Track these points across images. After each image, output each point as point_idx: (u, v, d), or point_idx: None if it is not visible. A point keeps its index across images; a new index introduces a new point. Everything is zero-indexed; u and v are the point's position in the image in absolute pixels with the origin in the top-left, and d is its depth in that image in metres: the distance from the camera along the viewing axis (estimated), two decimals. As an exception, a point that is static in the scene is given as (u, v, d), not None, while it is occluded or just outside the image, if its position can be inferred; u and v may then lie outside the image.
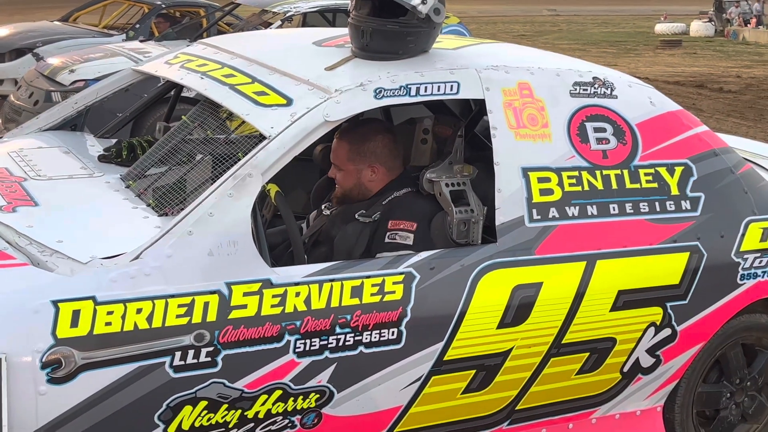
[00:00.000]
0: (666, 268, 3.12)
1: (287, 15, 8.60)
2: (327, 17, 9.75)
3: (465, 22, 13.34)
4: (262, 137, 2.69)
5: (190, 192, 2.81)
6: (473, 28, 24.27)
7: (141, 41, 9.15)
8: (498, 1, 47.87)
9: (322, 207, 3.19)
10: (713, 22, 35.65)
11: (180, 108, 3.85)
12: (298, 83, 2.86)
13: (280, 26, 8.61)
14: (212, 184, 2.75)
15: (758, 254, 3.30)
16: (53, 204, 2.81)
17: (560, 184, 2.98)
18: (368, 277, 2.67)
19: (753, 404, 3.54)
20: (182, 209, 2.69)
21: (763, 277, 3.33)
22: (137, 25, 10.84)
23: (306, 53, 3.18)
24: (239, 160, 2.80)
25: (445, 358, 2.78)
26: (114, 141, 3.51)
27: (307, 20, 9.51)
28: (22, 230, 2.56)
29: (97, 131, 3.70)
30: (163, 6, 10.99)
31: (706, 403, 3.47)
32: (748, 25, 34.29)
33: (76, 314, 2.31)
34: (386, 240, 2.93)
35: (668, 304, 3.13)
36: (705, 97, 16.56)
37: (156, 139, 3.41)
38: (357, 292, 2.64)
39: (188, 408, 2.47)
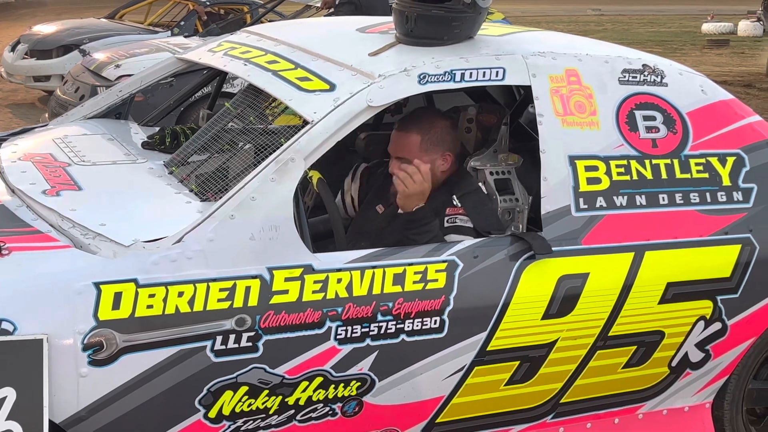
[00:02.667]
0: (717, 261, 3.04)
1: (330, 11, 8.56)
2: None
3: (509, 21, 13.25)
4: (305, 122, 2.66)
5: (232, 178, 2.79)
6: (517, 27, 24.10)
7: (186, 37, 9.20)
8: (542, 0, 47.56)
9: (378, 207, 3.12)
10: (761, 22, 35.02)
11: (221, 103, 3.85)
12: (342, 68, 2.83)
13: (324, 21, 8.62)
14: (252, 168, 2.74)
15: (813, 248, 3.20)
16: (96, 188, 2.81)
17: (608, 173, 2.92)
18: (410, 264, 2.63)
19: (806, 403, 3.44)
20: (222, 194, 2.68)
21: (817, 271, 3.23)
22: (182, 23, 10.91)
23: (350, 39, 3.15)
24: (280, 143, 2.79)
25: (489, 349, 2.74)
26: (158, 129, 3.51)
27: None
28: (65, 213, 2.56)
29: (141, 120, 3.70)
30: (208, 3, 11.05)
31: (757, 400, 3.38)
32: (799, 24, 33.63)
33: (117, 296, 2.31)
34: (446, 225, 2.88)
35: (719, 298, 3.05)
36: (753, 96, 16.28)
37: (199, 127, 3.40)
38: (399, 279, 2.60)
39: (229, 393, 2.45)
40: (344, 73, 2.80)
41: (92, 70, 7.81)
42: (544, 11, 46.03)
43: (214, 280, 2.40)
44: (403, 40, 2.96)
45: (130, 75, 7.41)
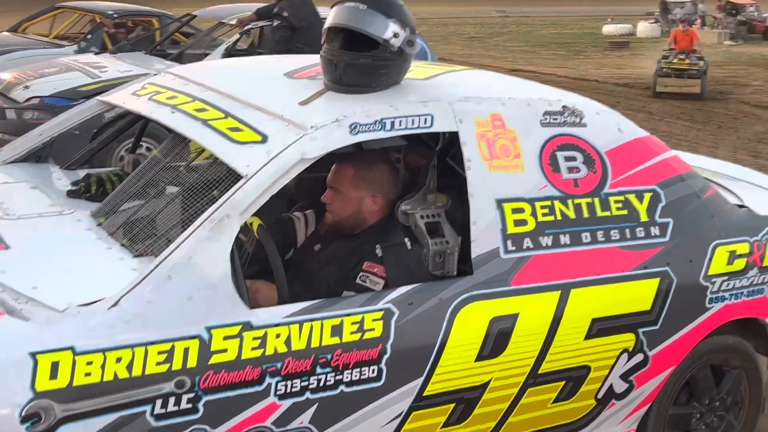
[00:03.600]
0: (638, 295, 3.16)
1: (246, 28, 8.52)
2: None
3: (416, 23, 13.40)
4: (238, 176, 2.66)
5: (164, 231, 2.77)
6: (424, 29, 24.33)
7: (95, 53, 9.01)
8: (448, 2, 48.15)
9: (315, 248, 3.15)
10: (659, 23, 36.22)
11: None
12: (273, 118, 2.84)
13: (239, 40, 8.55)
14: (186, 221, 2.73)
15: (725, 277, 3.37)
16: (25, 246, 2.75)
17: (534, 214, 3.00)
18: (348, 315, 2.66)
19: (722, 424, 3.61)
20: (157, 249, 2.67)
21: (730, 299, 3.39)
22: (89, 36, 10.69)
23: (278, 86, 3.15)
24: (213, 196, 2.78)
25: (425, 393, 2.79)
26: (81, 174, 3.45)
27: (264, 32, 9.44)
28: (-5, 276, 2.51)
29: (62, 162, 3.63)
30: (115, 15, 10.85)
31: (677, 425, 3.52)
32: (693, 25, 34.83)
33: (55, 366, 2.27)
34: (357, 280, 2.93)
35: (640, 330, 3.18)
36: (653, 99, 16.85)
37: (125, 173, 3.36)
38: (337, 330, 2.63)
39: None
40: (276, 124, 2.81)
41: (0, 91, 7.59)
42: (450, 13, 46.57)
43: (153, 342, 2.39)
44: (331, 87, 2.98)
45: (40, 96, 7.32)
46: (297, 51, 7.28)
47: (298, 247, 3.26)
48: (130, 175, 3.21)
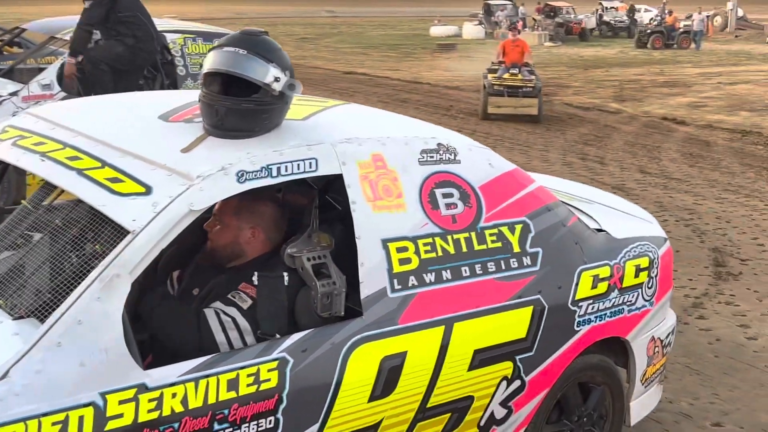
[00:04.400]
0: (514, 323, 3.30)
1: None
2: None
3: (244, 24, 13.19)
4: (124, 231, 2.57)
5: (43, 289, 2.64)
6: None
7: None
8: (275, 2, 47.88)
9: (194, 292, 3.08)
10: (483, 25, 37.51)
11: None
12: (155, 168, 2.76)
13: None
14: (67, 277, 2.61)
15: (591, 301, 3.56)
16: None
17: (417, 252, 3.07)
18: (243, 367, 2.64)
19: (589, 438, 3.81)
20: (39, 309, 2.54)
21: (595, 321, 3.60)
22: None
23: (154, 131, 3.05)
24: (94, 249, 2.68)
25: (321, 439, 2.81)
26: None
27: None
28: None
29: None
30: None
31: (550, 441, 3.70)
32: (518, 33, 36.33)
33: None
34: (228, 296, 2.91)
35: (517, 357, 3.31)
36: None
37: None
38: (233, 385, 2.60)
39: None
40: (158, 174, 2.73)
41: None
42: (279, 13, 46.42)
43: (45, 414, 2.28)
44: (212, 132, 2.92)
45: None
46: (121, 27, 7.12)
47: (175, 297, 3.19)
48: (-2, 226, 3.03)
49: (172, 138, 2.94)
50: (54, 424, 2.29)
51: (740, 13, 40.21)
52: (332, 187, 3.48)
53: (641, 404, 4.04)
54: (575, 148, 13.02)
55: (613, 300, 3.67)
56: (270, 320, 2.87)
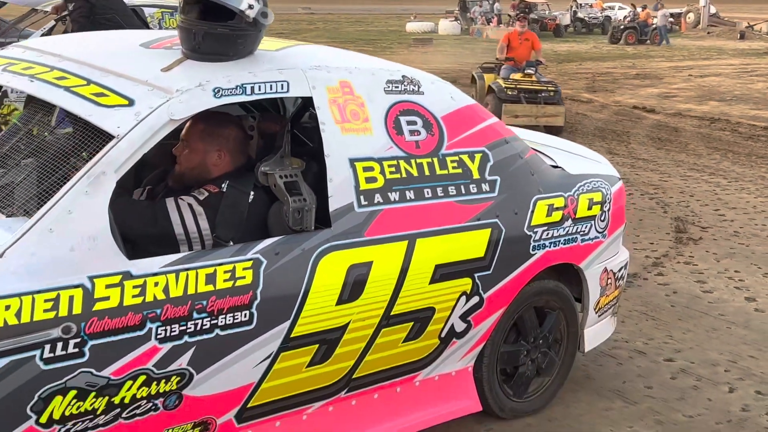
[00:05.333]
0: (473, 243, 3.54)
1: (60, 15, 8.35)
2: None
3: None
4: (109, 137, 2.79)
5: (34, 192, 2.85)
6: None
7: None
8: (253, -1, 47.83)
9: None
10: (459, 21, 37.82)
11: None
12: (137, 84, 2.97)
13: (53, 27, 8.38)
14: (56, 183, 2.82)
15: (545, 227, 3.81)
16: None
17: (382, 172, 3.31)
18: (220, 264, 2.86)
19: (545, 360, 4.07)
20: (29, 209, 2.76)
21: (549, 247, 3.85)
22: None
23: (136, 55, 3.28)
24: (82, 158, 2.89)
25: (292, 335, 3.03)
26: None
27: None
28: None
29: None
30: None
31: (508, 361, 3.95)
32: (490, 23, 36.69)
33: None
34: (191, 193, 3.11)
35: (476, 275, 3.56)
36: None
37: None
38: (211, 279, 2.82)
39: (59, 398, 2.56)
40: (140, 89, 2.95)
41: None
42: (256, 9, 46.55)
43: (39, 291, 2.50)
44: (190, 56, 3.15)
45: None
46: (101, 28, 7.26)
47: None
48: (-11, 143, 3.24)
49: (152, 61, 3.16)
50: (46, 300, 2.51)
51: (713, 10, 40.80)
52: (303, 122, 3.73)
53: (595, 332, 4.30)
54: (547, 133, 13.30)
55: (567, 229, 3.92)
56: (227, 228, 3.08)
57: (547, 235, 3.83)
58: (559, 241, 3.89)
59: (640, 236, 7.42)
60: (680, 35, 37.15)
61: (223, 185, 3.15)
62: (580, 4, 38.83)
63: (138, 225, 2.99)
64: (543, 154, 4.26)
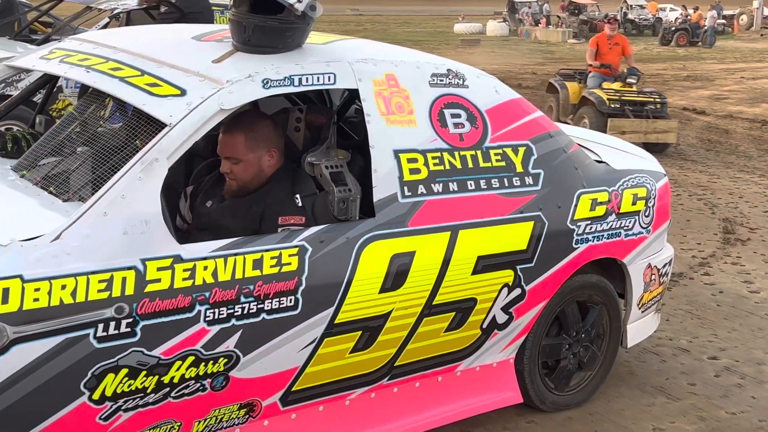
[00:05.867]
0: (515, 236, 3.57)
1: (114, 12, 8.55)
2: (153, 14, 9.71)
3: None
4: (161, 125, 2.88)
5: (90, 178, 2.96)
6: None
7: (-44, 38, 8.77)
8: (302, 0, 48.09)
9: (207, 203, 3.35)
10: (507, 22, 37.69)
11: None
12: (189, 75, 3.06)
13: (107, 24, 8.55)
14: (111, 170, 2.92)
15: (588, 222, 3.83)
16: (-44, 194, 2.88)
17: (426, 164, 3.36)
18: (267, 250, 2.93)
19: (587, 354, 4.08)
20: (85, 195, 2.86)
21: (593, 241, 3.86)
22: (-47, 22, 10.36)
23: (188, 47, 3.37)
24: (135, 146, 2.99)
25: (336, 321, 3.09)
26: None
27: (131, 18, 9.43)
28: (-66, 219, 2.64)
29: None
30: None
31: (549, 354, 3.97)
32: (539, 24, 36.52)
33: (5, 291, 2.45)
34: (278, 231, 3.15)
35: (518, 267, 3.59)
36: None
37: (37, 132, 3.49)
38: (258, 264, 2.90)
39: (111, 376, 2.65)
40: (192, 79, 3.04)
41: None
42: (305, 11, 46.87)
43: (93, 272, 2.59)
44: (240, 48, 3.23)
45: None
46: None
47: (183, 211, 3.45)
48: (47, 131, 3.35)
49: (204, 53, 3.25)
50: (101, 281, 2.60)
51: (766, 12, 40.14)
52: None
53: (637, 328, 4.30)
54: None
55: (611, 223, 3.93)
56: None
57: (591, 229, 3.85)
58: (603, 235, 3.91)
59: (688, 236, 7.37)
60: (733, 37, 36.62)
61: (297, 201, 3.20)
62: (631, 5, 38.45)
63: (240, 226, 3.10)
64: (587, 149, 4.27)
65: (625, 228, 4.02)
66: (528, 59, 25.68)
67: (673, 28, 33.60)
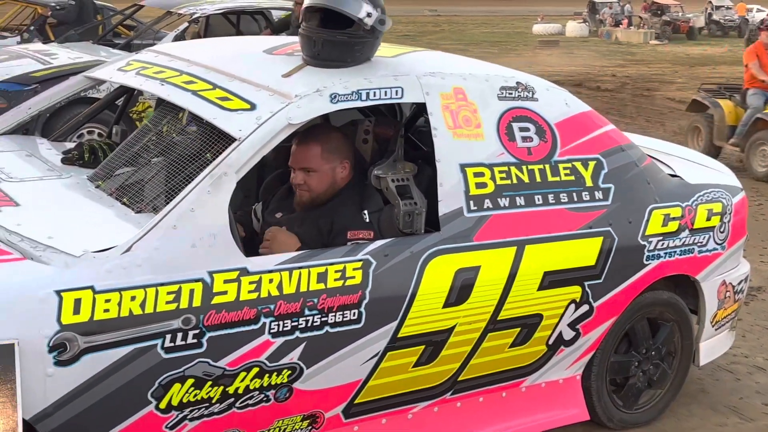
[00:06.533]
0: (584, 251, 3.53)
1: (193, 17, 8.73)
2: (231, 20, 9.90)
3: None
4: (231, 139, 2.93)
5: (162, 190, 3.03)
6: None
7: (44, 43, 9.09)
8: (380, 1, 48.18)
9: (277, 215, 3.39)
10: (587, 23, 37.16)
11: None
12: (259, 89, 3.11)
13: (186, 29, 8.74)
14: (178, 185, 2.98)
15: (660, 238, 3.76)
16: (34, 204, 2.98)
17: (493, 178, 3.34)
18: (331, 264, 2.96)
19: (657, 371, 4.01)
20: (157, 206, 2.93)
21: (664, 257, 3.79)
22: (31, 28, 10.73)
23: (259, 61, 3.43)
24: (206, 159, 3.05)
25: (399, 335, 3.11)
26: (67, 144, 3.68)
27: (210, 22, 9.64)
28: (12, 228, 2.74)
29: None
30: (57, 7, 10.89)
31: (618, 371, 3.91)
32: (620, 25, 35.90)
33: (77, 302, 2.53)
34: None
35: (586, 283, 3.54)
36: (583, 95, 17.38)
37: (113, 142, 3.59)
38: (322, 277, 2.93)
39: (177, 385, 2.71)
40: (262, 94, 3.09)
41: (-49, 78, 7.65)
42: (383, 11, 46.95)
43: (162, 284, 2.66)
44: (310, 62, 3.27)
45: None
46: None
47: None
48: (122, 143, 3.45)
49: (274, 66, 3.30)
50: (169, 293, 2.66)
51: None
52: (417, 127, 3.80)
53: (711, 346, 4.20)
54: (674, 138, 12.88)
55: (684, 239, 3.85)
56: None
57: (662, 245, 3.78)
58: (675, 251, 3.83)
59: (768, 249, 7.17)
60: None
61: (365, 217, 3.21)
62: (716, 6, 37.50)
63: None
64: (661, 162, 4.19)
65: (699, 244, 3.93)
66: (608, 61, 25.26)
67: (758, 28, 32.62)
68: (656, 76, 21.54)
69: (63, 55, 8.05)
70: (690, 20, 35.56)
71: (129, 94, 3.95)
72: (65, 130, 3.94)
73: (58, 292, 2.52)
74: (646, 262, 3.73)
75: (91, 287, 2.56)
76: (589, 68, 22.47)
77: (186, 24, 8.74)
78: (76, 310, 2.53)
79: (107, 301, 2.57)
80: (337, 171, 3.33)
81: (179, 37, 8.42)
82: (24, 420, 2.47)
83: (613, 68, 22.81)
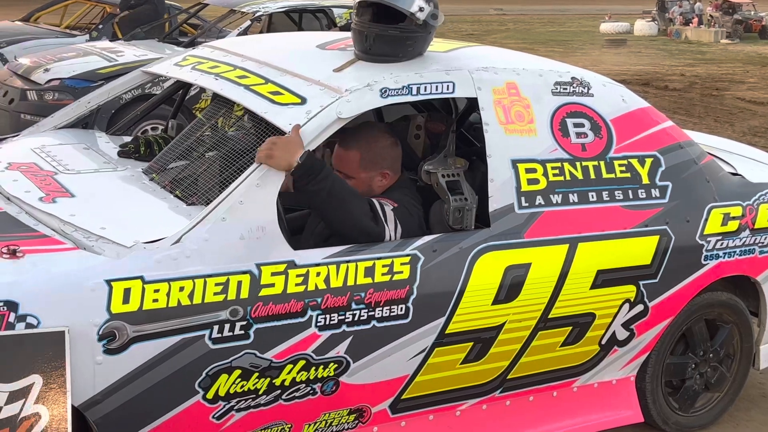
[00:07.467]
0: (639, 250, 3.46)
1: (256, 15, 8.82)
2: (293, 18, 9.98)
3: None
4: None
5: (214, 183, 3.07)
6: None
7: (111, 41, 9.28)
8: (445, 0, 48.14)
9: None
10: (656, 22, 36.50)
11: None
12: (310, 84, 3.13)
13: (249, 27, 8.83)
14: (230, 177, 3.01)
15: (719, 237, 3.67)
16: (88, 195, 3.05)
17: (545, 174, 3.30)
18: (379, 258, 2.96)
19: (715, 374, 3.91)
20: (209, 199, 2.97)
21: (723, 257, 3.69)
22: (100, 26, 10.95)
23: (312, 56, 3.44)
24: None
25: (447, 332, 3.08)
26: (126, 137, 3.75)
27: (273, 20, 9.73)
28: (66, 218, 2.80)
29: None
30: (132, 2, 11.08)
31: (674, 373, 3.83)
32: (690, 24, 35.17)
33: (127, 292, 2.57)
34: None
35: (641, 283, 3.47)
36: (651, 95, 17.06)
37: (169, 136, 3.64)
38: (369, 272, 2.92)
39: (224, 376, 2.74)
40: (313, 88, 3.10)
41: (21, 74, 7.86)
42: (447, 11, 46.73)
43: (210, 275, 2.68)
44: (362, 57, 3.27)
45: (60, 78, 7.61)
46: None
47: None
48: (176, 137, 3.50)
49: (326, 61, 3.31)
50: (217, 284, 2.69)
51: None
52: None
53: (772, 350, 4.08)
54: (743, 138, 12.61)
55: (744, 239, 3.75)
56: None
57: (721, 245, 3.68)
58: (735, 252, 3.73)
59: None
60: None
61: (396, 200, 3.14)
62: (790, 4, 36.48)
63: (359, 216, 2.98)
64: (722, 160, 4.09)
65: (760, 244, 3.82)
66: (676, 60, 24.78)
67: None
68: (726, 76, 21.06)
69: (129, 52, 8.21)
70: (762, 19, 34.65)
71: (185, 89, 4.01)
72: (123, 125, 4.01)
73: (108, 282, 2.56)
74: (704, 262, 3.64)
75: (141, 277, 2.59)
76: (658, 67, 22.07)
77: (249, 22, 8.83)
78: (126, 300, 2.57)
79: (156, 291, 2.60)
80: (375, 180, 3.24)
81: (242, 35, 8.50)
82: (73, 407, 2.52)
83: (682, 67, 22.37)
